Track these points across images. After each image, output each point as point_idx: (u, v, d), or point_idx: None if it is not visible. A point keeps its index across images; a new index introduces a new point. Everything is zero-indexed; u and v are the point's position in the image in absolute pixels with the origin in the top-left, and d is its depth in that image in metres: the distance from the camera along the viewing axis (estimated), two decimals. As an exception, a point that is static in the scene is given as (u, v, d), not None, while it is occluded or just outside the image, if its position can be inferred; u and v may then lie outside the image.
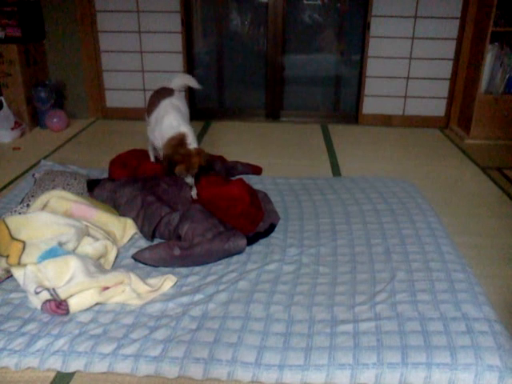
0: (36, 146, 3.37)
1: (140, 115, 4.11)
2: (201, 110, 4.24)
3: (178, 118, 2.33)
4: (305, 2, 4.10)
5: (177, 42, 3.95)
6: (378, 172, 2.90)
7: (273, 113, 4.23)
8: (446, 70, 3.89)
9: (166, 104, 2.42)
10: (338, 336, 1.43)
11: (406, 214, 2.22)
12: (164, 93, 2.51)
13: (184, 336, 1.44)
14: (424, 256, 1.86)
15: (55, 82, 3.87)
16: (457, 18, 3.73)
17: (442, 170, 3.02)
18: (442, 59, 3.87)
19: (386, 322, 1.48)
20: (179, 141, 2.24)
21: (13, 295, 1.64)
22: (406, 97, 4.02)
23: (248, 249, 1.94)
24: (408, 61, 3.91)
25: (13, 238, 1.70)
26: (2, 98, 3.50)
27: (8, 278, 1.71)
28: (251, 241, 1.96)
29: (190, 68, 4.10)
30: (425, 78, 3.94)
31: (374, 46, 3.89)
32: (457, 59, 3.82)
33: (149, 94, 4.13)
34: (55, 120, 3.72)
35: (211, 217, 2.00)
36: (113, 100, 4.15)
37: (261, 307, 1.57)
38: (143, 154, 2.75)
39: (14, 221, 1.76)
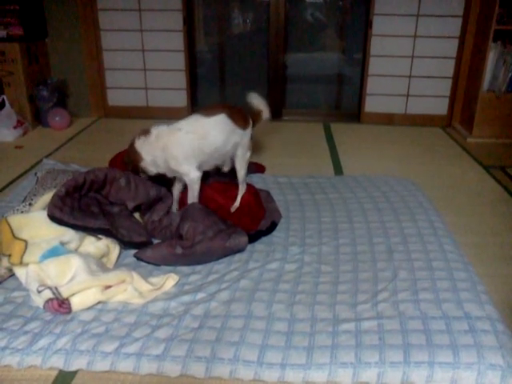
0: (38, 145, 3.37)
1: (142, 114, 4.12)
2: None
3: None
4: (307, 0, 4.10)
5: (179, 41, 3.95)
6: (380, 170, 2.89)
7: (275, 111, 4.21)
8: (448, 68, 3.88)
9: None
10: (339, 335, 1.43)
11: (408, 212, 2.22)
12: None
13: (186, 335, 1.44)
14: (426, 255, 1.85)
15: (57, 81, 3.87)
16: (459, 17, 3.72)
17: (445, 168, 3.01)
18: (444, 58, 3.86)
19: (388, 320, 1.48)
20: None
21: (15, 294, 1.64)
22: (408, 95, 4.01)
23: (250, 247, 1.94)
24: (410, 59, 3.90)
25: (15, 237, 1.70)
26: (5, 97, 3.50)
27: (10, 276, 1.71)
28: (253, 239, 1.96)
29: (191, 67, 4.10)
30: (427, 77, 3.93)
31: (376, 45, 3.88)
32: (459, 57, 3.81)
33: (151, 93, 4.20)
34: (57, 119, 3.72)
35: (211, 214, 2.01)
36: (115, 98, 4.15)
37: (263, 306, 1.57)
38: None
39: (16, 220, 1.76)
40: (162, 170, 2.12)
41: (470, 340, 1.38)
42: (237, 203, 2.28)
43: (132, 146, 2.10)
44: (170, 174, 2.16)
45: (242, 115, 2.24)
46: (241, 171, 2.30)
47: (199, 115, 2.14)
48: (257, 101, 2.41)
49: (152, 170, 2.11)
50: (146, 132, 2.10)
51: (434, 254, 1.85)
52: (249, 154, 2.31)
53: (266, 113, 2.42)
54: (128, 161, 2.13)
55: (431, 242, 1.95)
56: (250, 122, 2.28)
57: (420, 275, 1.72)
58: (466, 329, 1.43)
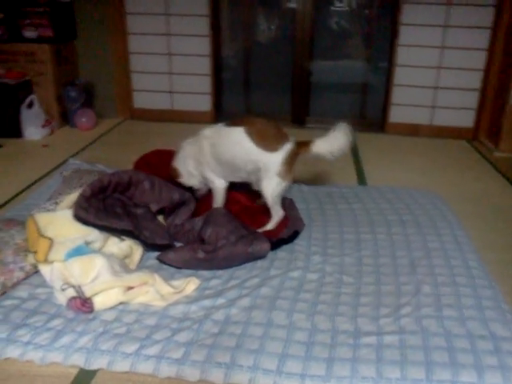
0: (64, 144, 3.42)
1: (166, 117, 4.15)
2: (227, 114, 4.26)
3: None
4: (332, 8, 4.10)
5: (205, 46, 3.98)
6: (403, 182, 2.87)
7: (298, 118, 4.23)
8: (475, 80, 3.84)
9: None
10: (361, 348, 1.41)
11: (432, 226, 2.19)
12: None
13: (206, 340, 1.44)
14: (450, 270, 1.83)
15: (85, 82, 3.94)
16: (488, 28, 3.68)
17: (470, 182, 2.97)
18: (471, 69, 3.82)
19: (410, 336, 1.46)
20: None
21: (39, 290, 1.66)
22: (433, 107, 3.97)
23: (271, 254, 1.93)
24: (437, 70, 3.87)
25: (41, 235, 1.73)
26: (34, 97, 3.56)
27: (36, 272, 1.74)
28: (274, 246, 1.96)
29: (216, 72, 4.13)
30: (454, 88, 3.89)
31: (402, 55, 3.85)
32: (487, 70, 3.77)
33: (176, 96, 4.23)
34: (84, 119, 3.77)
35: (234, 220, 2.01)
36: (140, 101, 4.19)
37: (283, 314, 1.56)
38: (167, 154, 2.76)
39: (42, 218, 1.79)
40: (199, 179, 2.19)
41: (494, 361, 1.35)
42: (268, 226, 2.12)
43: (170, 167, 2.23)
44: (205, 182, 2.21)
45: (271, 136, 2.01)
46: (267, 198, 2.06)
47: (223, 123, 2.11)
48: (337, 132, 2.04)
49: (193, 182, 2.20)
50: (178, 149, 2.21)
51: (458, 270, 1.83)
52: (277, 180, 2.01)
53: (322, 147, 2.07)
54: (172, 181, 2.21)
55: (455, 258, 1.92)
56: (285, 146, 2.00)
57: (444, 291, 1.69)
58: (490, 349, 1.40)
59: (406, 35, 3.80)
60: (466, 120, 3.96)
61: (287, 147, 2.01)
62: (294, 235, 2.06)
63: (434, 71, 3.88)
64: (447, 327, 1.50)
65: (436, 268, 1.84)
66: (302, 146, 2.07)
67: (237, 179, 2.17)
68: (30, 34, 3.66)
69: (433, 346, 1.42)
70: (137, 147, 3.13)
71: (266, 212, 2.16)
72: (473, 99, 3.90)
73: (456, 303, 1.62)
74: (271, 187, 2.03)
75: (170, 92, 4.16)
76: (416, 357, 1.37)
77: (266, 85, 4.36)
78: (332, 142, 2.05)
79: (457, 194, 2.75)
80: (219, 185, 2.15)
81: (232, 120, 2.10)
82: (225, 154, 2.06)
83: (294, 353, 1.40)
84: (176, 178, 2.21)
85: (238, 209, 2.18)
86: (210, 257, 1.80)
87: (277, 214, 2.12)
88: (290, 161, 2.02)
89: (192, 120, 4.10)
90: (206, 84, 4.09)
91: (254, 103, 4.41)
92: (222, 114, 4.26)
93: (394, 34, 3.84)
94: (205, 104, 4.14)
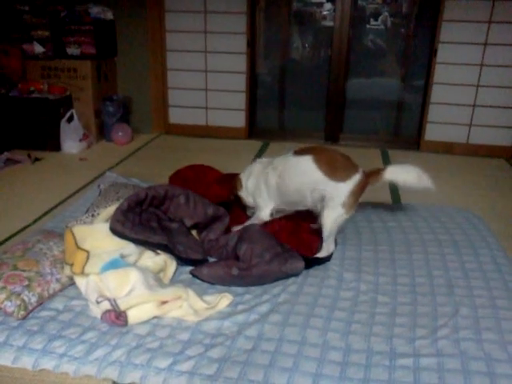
0: (101, 158, 3.50)
1: (201, 132, 4.20)
2: (261, 130, 4.28)
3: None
4: (368, 26, 4.10)
5: (241, 63, 4.03)
6: (439, 201, 2.80)
7: (332, 135, 4.21)
8: (514, 98, 3.76)
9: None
10: (397, 370, 1.38)
11: (470, 246, 2.13)
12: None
13: (239, 356, 1.43)
14: (489, 292, 1.77)
15: (122, 98, 4.03)
16: (529, 46, 3.61)
17: (507, 202, 2.89)
18: (510, 87, 3.74)
19: (448, 359, 1.41)
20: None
21: (75, 302, 1.68)
22: (470, 125, 3.90)
23: (304, 271, 1.91)
24: (475, 88, 3.81)
25: (78, 247, 1.75)
26: (74, 111, 3.67)
27: (71, 284, 1.76)
28: (308, 265, 1.93)
29: (251, 88, 4.16)
30: (492, 106, 3.82)
31: (440, 73, 3.81)
32: (527, 88, 3.69)
33: (210, 112, 4.28)
34: (120, 134, 3.86)
35: (269, 237, 2.00)
36: (176, 116, 4.26)
37: (317, 333, 1.54)
38: (202, 169, 2.79)
39: (80, 230, 1.82)
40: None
41: (538, 387, 1.30)
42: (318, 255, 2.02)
43: (236, 176, 2.29)
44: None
45: (339, 165, 1.96)
46: (325, 228, 1.98)
47: (291, 152, 2.06)
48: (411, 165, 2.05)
49: (249, 199, 2.23)
50: (251, 163, 2.27)
51: (497, 292, 1.77)
52: (340, 212, 1.94)
53: (396, 173, 2.07)
54: (233, 190, 2.28)
55: (494, 279, 1.86)
56: (355, 177, 1.94)
57: (483, 313, 1.64)
58: (534, 375, 1.34)
59: (444, 53, 3.76)
60: (504, 138, 3.88)
61: (356, 178, 1.94)
62: (328, 256, 2.03)
63: (472, 89, 3.83)
64: (487, 351, 1.45)
65: (474, 289, 1.79)
66: (372, 175, 2.01)
67: (296, 207, 2.14)
68: (73, 51, 3.78)
69: (472, 370, 1.37)
70: (171, 162, 3.18)
71: (298, 237, 2.15)
72: (511, 117, 3.82)
73: (496, 326, 1.56)
74: (332, 218, 1.96)
75: (205, 108, 4.21)
76: (454, 381, 1.33)
77: (300, 102, 4.38)
78: (408, 171, 2.07)
79: (493, 213, 2.69)
80: (264, 216, 2.16)
81: (300, 148, 2.06)
82: (291, 185, 2.03)
83: (328, 373, 1.37)
84: (237, 189, 2.24)
85: (275, 228, 2.16)
86: (243, 274, 1.79)
87: (328, 246, 2.01)
88: (358, 192, 1.96)
89: (226, 136, 4.14)
90: (240, 100, 4.13)
91: (288, 120, 4.42)
92: (255, 130, 4.29)
93: (432, 52, 3.80)
94: (239, 120, 4.18)
